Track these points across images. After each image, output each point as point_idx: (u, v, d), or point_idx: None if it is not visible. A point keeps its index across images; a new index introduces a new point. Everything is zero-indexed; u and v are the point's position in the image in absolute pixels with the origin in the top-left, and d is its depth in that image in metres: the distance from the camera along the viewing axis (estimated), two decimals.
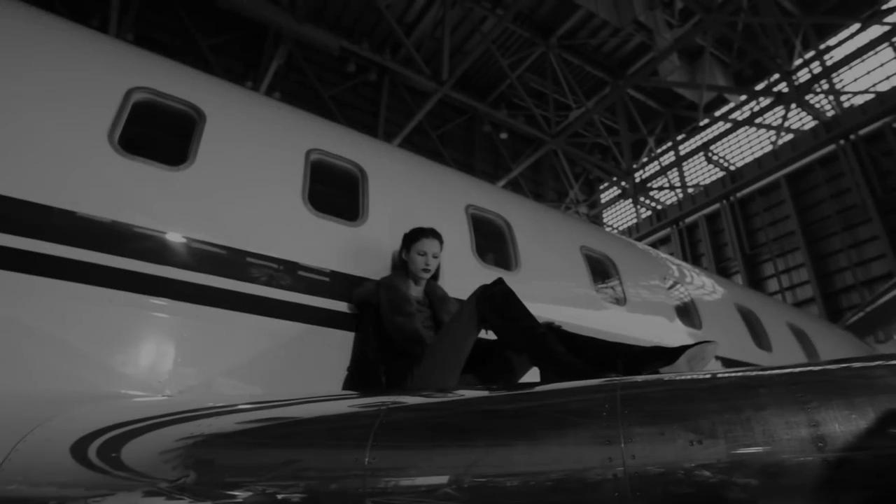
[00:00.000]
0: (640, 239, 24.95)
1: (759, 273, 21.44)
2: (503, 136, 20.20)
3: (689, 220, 23.48)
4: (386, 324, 2.85)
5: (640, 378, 1.43)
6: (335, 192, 3.48)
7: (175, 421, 1.96)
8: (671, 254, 24.05)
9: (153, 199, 2.63)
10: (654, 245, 25.09)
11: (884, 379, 1.14)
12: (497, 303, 2.52)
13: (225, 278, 2.65)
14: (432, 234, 3.07)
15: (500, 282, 2.66)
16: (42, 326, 2.20)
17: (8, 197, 2.22)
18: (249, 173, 3.01)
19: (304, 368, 2.84)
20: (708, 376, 1.35)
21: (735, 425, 1.15)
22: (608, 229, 26.17)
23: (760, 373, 1.30)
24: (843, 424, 1.09)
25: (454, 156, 20.79)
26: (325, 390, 2.71)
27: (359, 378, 2.88)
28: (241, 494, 1.52)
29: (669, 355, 2.14)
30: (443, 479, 1.35)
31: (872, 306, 11.96)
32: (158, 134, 3.07)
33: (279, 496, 1.48)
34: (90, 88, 2.71)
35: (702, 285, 5.79)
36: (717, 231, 22.85)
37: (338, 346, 2.95)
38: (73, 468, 1.83)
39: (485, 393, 1.69)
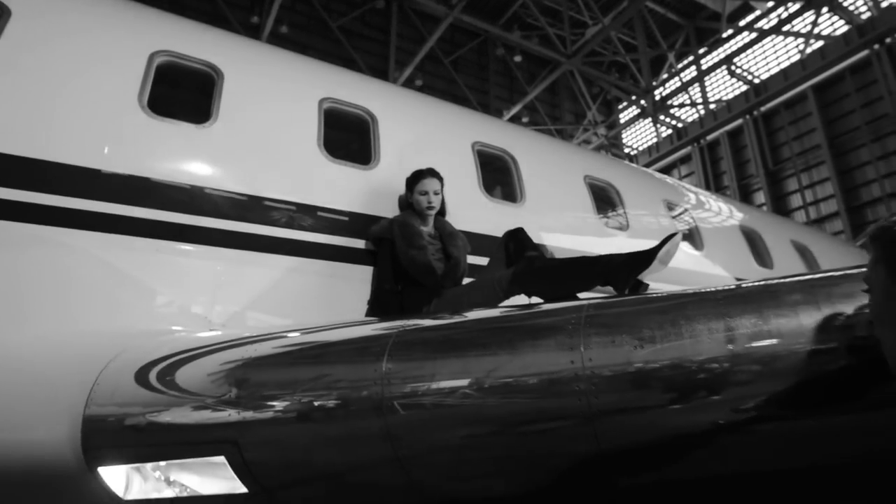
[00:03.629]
0: (660, 158, 24.58)
1: (781, 189, 21.16)
2: (517, 59, 19.68)
3: (710, 137, 22.96)
4: (400, 257, 3.18)
5: (604, 299, 1.74)
6: (348, 138, 3.73)
7: (219, 349, 2.34)
8: (691, 173, 23.75)
9: (185, 156, 2.93)
10: (674, 164, 24.73)
11: (790, 295, 1.43)
12: (539, 270, 2.76)
13: (255, 224, 2.98)
14: (431, 173, 3.33)
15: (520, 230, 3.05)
16: (109, 275, 2.58)
17: (62, 164, 2.54)
18: (268, 126, 3.27)
19: (328, 300, 3.21)
20: (658, 296, 1.65)
21: (668, 331, 1.46)
22: (627, 150, 25.78)
23: (699, 291, 1.59)
24: (752, 329, 1.39)
25: (468, 82, 20.42)
26: (348, 318, 3.10)
27: (378, 307, 3.25)
28: (279, 404, 1.90)
29: (646, 258, 2.40)
30: (445, 383, 1.70)
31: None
32: (181, 93, 3.31)
33: (314, 403, 1.86)
34: (118, 54, 2.95)
35: (706, 208, 5.98)
36: (740, 148, 22.38)
37: (357, 279, 3.30)
38: (135, 390, 2.22)
39: (480, 314, 2.03)
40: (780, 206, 20.90)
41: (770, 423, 1.43)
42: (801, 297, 1.43)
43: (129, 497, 2.23)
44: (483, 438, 1.63)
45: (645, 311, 1.56)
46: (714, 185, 22.90)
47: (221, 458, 1.94)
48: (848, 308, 1.38)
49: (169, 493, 2.24)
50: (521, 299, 2.68)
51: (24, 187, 2.43)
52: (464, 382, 1.66)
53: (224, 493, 2.09)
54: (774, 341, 1.38)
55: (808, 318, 1.38)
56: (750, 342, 1.38)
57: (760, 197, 21.46)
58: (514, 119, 20.85)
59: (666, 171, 24.57)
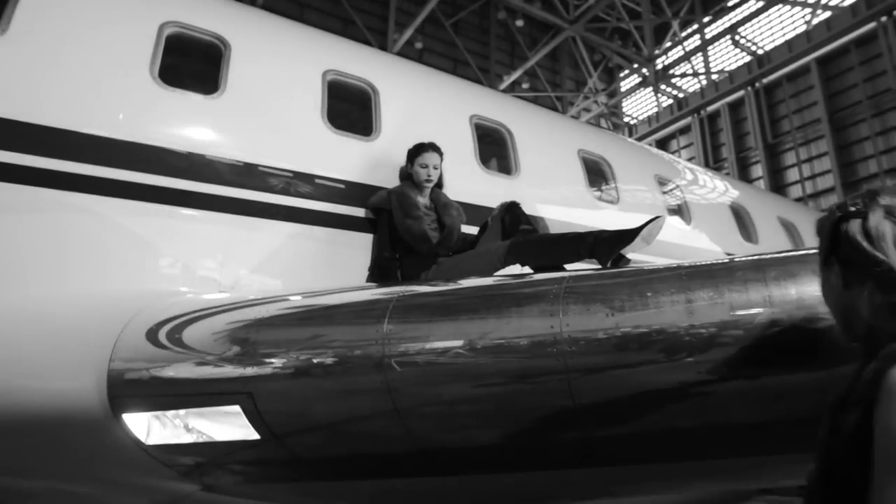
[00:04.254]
0: (659, 129, 24.52)
1: (779, 163, 21.19)
2: (519, 23, 19.38)
3: (710, 108, 22.85)
4: (398, 226, 3.37)
5: (583, 272, 1.93)
6: (351, 109, 3.86)
7: (227, 310, 2.53)
8: (690, 144, 23.75)
9: (195, 125, 3.07)
10: (673, 135, 24.69)
11: (743, 272, 1.62)
12: (533, 242, 2.97)
13: (263, 192, 3.15)
14: (432, 147, 3.49)
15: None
16: (126, 239, 2.76)
17: (83, 133, 2.69)
18: (274, 97, 3.39)
19: (330, 265, 3.40)
20: (630, 270, 1.84)
21: (636, 302, 1.66)
22: (627, 119, 25.67)
23: (666, 266, 1.78)
24: (708, 301, 1.59)
25: (468, 46, 20.19)
26: (351, 283, 3.30)
27: (378, 273, 3.45)
28: (289, 360, 2.10)
29: (629, 236, 2.60)
30: (439, 344, 1.91)
31: None
32: (189, 64, 3.43)
33: (323, 359, 2.06)
34: (129, 25, 3.05)
35: (696, 183, 6.15)
36: (740, 120, 22.31)
37: (358, 245, 3.49)
38: (154, 346, 2.42)
39: (472, 283, 2.22)
40: (777, 180, 20.98)
41: (723, 383, 1.65)
42: (755, 274, 1.62)
43: (150, 442, 2.46)
44: (472, 393, 1.85)
45: (617, 284, 1.76)
46: (712, 157, 22.92)
47: (237, 408, 2.16)
48: (804, 284, 1.57)
49: (186, 438, 2.47)
50: (514, 269, 2.88)
51: (46, 154, 2.58)
52: (457, 343, 1.87)
53: (238, 440, 2.33)
54: (729, 313, 1.58)
55: (760, 294, 1.58)
56: (706, 313, 1.58)
57: (758, 170, 21.51)
58: (515, 85, 20.70)
59: (665, 141, 24.54)
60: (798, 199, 18.87)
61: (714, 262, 1.73)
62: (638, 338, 1.62)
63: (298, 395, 2.07)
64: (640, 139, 23.81)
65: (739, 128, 22.34)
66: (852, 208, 1.13)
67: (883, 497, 0.88)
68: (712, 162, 22.73)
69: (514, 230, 3.29)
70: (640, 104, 25.71)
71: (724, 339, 1.57)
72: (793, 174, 20.80)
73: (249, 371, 2.13)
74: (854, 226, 1.11)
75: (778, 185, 20.72)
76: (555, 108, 22.12)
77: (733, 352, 1.57)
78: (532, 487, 2.44)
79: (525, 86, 21.38)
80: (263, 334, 2.25)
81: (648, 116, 25.13)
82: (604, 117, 24.57)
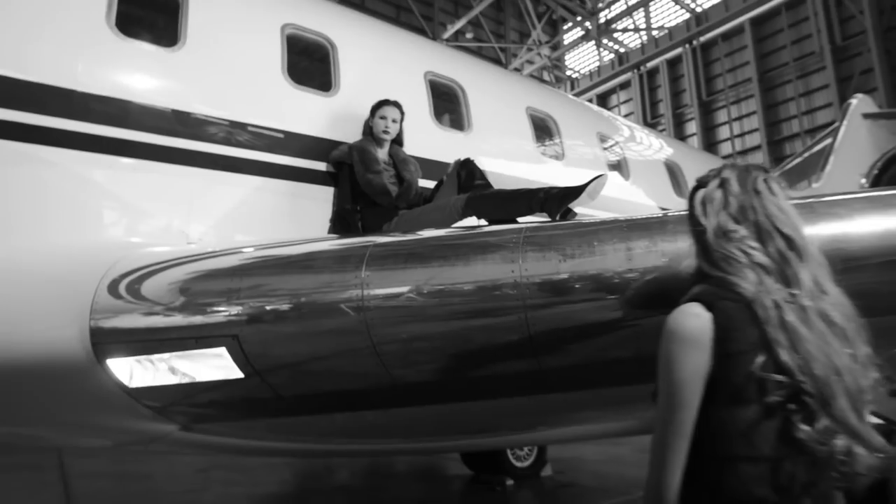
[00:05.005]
0: (601, 83, 25.05)
1: (712, 120, 22.24)
2: None
3: (650, 64, 23.52)
4: (358, 179, 3.52)
5: (538, 224, 2.19)
6: (310, 64, 3.89)
7: (190, 261, 2.65)
8: (630, 99, 24.44)
9: (157, 78, 3.07)
10: (613, 90, 25.31)
11: (674, 225, 1.93)
12: (488, 197, 3.19)
13: (230, 146, 3.21)
14: (394, 103, 3.65)
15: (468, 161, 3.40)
16: (99, 193, 2.80)
17: (40, 83, 2.65)
18: (234, 51, 3.40)
19: (293, 217, 3.53)
20: (578, 223, 2.12)
21: (584, 249, 1.94)
22: (569, 73, 25.99)
23: (610, 220, 2.07)
24: (644, 250, 1.89)
25: None
26: (316, 234, 3.45)
27: (340, 225, 3.61)
28: (277, 302, 2.28)
29: (576, 192, 2.90)
30: (413, 287, 2.14)
31: (807, 153, 12.75)
32: (147, 15, 3.36)
33: (307, 300, 2.25)
34: None
35: (636, 142, 6.54)
36: (677, 77, 23.11)
37: (321, 199, 3.62)
38: (108, 300, 2.52)
39: (440, 233, 2.46)
40: (709, 137, 22.08)
41: (655, 318, 1.97)
42: (684, 227, 1.92)
43: (133, 385, 2.60)
44: (443, 329, 2.11)
45: (569, 234, 2.04)
46: (650, 112, 23.74)
47: (221, 349, 2.33)
48: None
49: (167, 380, 2.62)
50: (471, 221, 3.12)
51: (8, 106, 2.56)
52: (429, 285, 2.11)
53: (219, 380, 2.50)
54: (661, 259, 1.89)
55: (687, 243, 1.89)
56: (642, 259, 1.88)
57: (693, 127, 22.51)
58: (458, 34, 20.47)
59: (605, 96, 25.15)
60: (727, 157, 19.98)
61: (650, 216, 2.03)
62: (585, 279, 1.91)
63: (282, 336, 2.27)
64: (581, 93, 24.28)
65: (676, 85, 23.16)
66: (703, 180, 1.41)
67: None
68: (650, 118, 23.53)
69: (470, 185, 3.52)
70: (582, 58, 26.01)
71: (657, 281, 1.88)
72: (724, 131, 21.92)
73: (234, 315, 2.30)
74: (699, 194, 1.40)
75: (710, 142, 21.80)
76: (498, 60, 22.10)
77: (664, 292, 1.88)
78: (490, 416, 2.77)
79: (469, 35, 21.19)
80: (243, 281, 2.40)
81: (590, 71, 25.52)
82: (547, 70, 24.78)
